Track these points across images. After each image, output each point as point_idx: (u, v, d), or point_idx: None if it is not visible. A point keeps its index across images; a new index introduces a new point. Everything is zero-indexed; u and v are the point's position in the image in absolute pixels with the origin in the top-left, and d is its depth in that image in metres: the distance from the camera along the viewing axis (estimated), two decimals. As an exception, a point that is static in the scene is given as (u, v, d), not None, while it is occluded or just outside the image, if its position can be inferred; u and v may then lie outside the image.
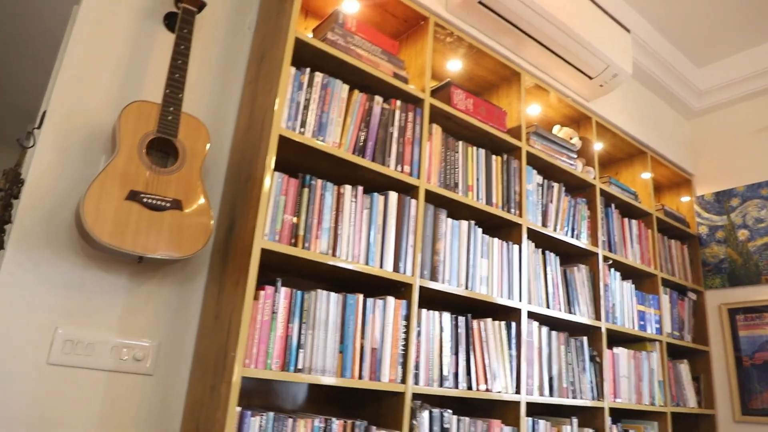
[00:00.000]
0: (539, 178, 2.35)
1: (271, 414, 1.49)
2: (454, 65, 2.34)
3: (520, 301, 2.11)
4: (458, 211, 2.11)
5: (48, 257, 1.51)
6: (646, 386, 2.55)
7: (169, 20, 1.83)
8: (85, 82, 1.65)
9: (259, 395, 1.76)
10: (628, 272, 2.78)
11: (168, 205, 1.53)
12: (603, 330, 2.39)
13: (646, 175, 2.93)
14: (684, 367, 2.82)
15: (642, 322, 2.64)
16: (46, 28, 2.92)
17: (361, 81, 1.91)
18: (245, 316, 1.45)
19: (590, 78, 2.42)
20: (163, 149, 1.64)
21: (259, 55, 1.88)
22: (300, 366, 1.55)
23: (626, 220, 2.74)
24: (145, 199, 1.50)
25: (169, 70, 1.61)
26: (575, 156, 2.47)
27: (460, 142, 2.11)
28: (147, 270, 1.67)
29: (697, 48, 3.07)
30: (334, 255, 1.68)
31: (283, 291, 1.57)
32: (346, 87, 1.82)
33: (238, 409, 1.44)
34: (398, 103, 1.93)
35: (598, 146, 2.92)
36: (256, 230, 1.52)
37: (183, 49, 1.65)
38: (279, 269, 1.82)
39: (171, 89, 1.60)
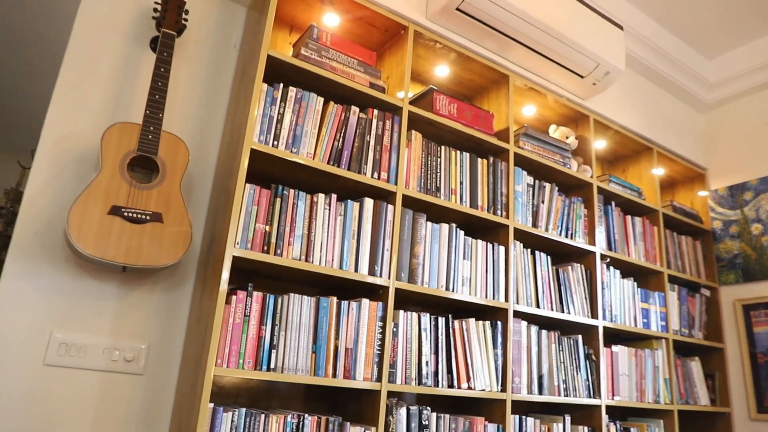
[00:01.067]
0: (530, 179, 2.33)
1: (243, 410, 1.56)
2: (442, 70, 2.35)
3: (506, 301, 2.10)
4: (441, 214, 2.12)
5: (44, 267, 1.65)
6: (650, 384, 2.48)
7: (155, 44, 1.93)
8: (77, 105, 1.78)
9: (246, 394, 1.84)
10: (629, 270, 2.70)
11: (148, 217, 1.62)
12: (600, 328, 2.34)
13: (657, 171, 2.83)
14: (695, 365, 2.71)
15: (645, 320, 2.56)
16: (48, 42, 3.12)
17: (337, 93, 1.96)
18: (217, 319, 1.53)
19: (581, 77, 2.37)
20: (146, 166, 1.74)
21: (241, 72, 1.96)
22: (272, 365, 1.62)
23: (629, 217, 2.67)
24: (126, 213, 1.60)
25: (149, 92, 1.71)
26: (569, 155, 2.42)
27: (443, 147, 2.12)
28: (136, 278, 1.78)
29: (706, 40, 2.94)
30: (307, 260, 1.74)
31: (255, 295, 1.64)
32: (320, 99, 1.88)
33: (211, 405, 1.52)
34: (375, 112, 1.96)
35: (599, 144, 2.86)
36: (228, 239, 1.60)
37: (163, 71, 1.74)
38: (260, 275, 1.89)
39: (151, 110, 1.70)
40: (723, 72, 3.03)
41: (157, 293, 1.81)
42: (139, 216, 1.62)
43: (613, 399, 2.32)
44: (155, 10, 1.82)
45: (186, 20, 1.88)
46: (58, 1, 2.66)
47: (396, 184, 1.94)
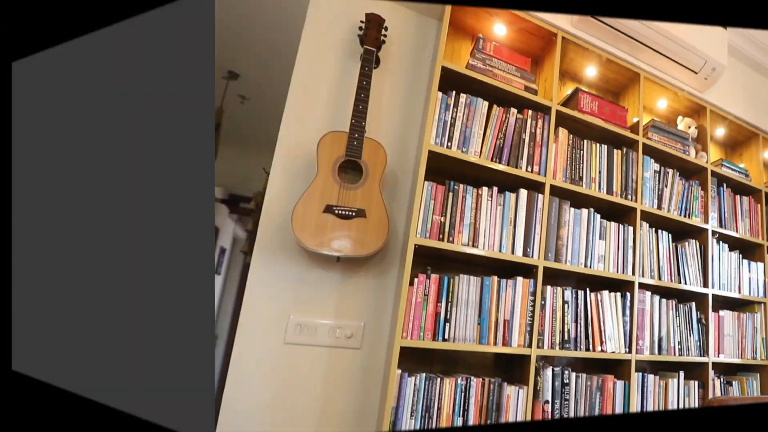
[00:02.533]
0: (656, 166, 2.25)
1: (423, 375, 1.61)
2: (590, 71, 2.24)
3: (633, 274, 2.15)
4: (583, 200, 2.09)
5: (281, 260, 1.71)
6: (749, 343, 2.46)
7: (361, 58, 1.90)
8: (304, 116, 1.81)
9: (440, 362, 1.93)
10: (735, 244, 2.57)
11: (354, 214, 1.68)
12: (710, 296, 2.36)
13: (766, 155, 2.90)
14: (796, 325, 2.77)
15: (747, 287, 2.64)
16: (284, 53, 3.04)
17: (499, 96, 1.89)
18: (402, 299, 1.58)
19: (695, 72, 2.23)
20: (353, 168, 1.77)
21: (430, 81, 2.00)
22: (446, 336, 1.67)
23: (738, 197, 2.55)
24: (337, 211, 1.67)
25: (354, 103, 1.71)
26: (690, 143, 2.43)
27: (585, 141, 2.04)
28: (351, 266, 1.81)
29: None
30: (473, 246, 1.82)
31: (433, 277, 1.67)
32: (486, 103, 1.81)
33: (398, 371, 1.58)
34: (530, 112, 1.94)
35: (719, 132, 2.67)
36: (411, 230, 1.63)
37: (365, 84, 1.73)
38: (438, 259, 1.94)
39: (356, 119, 1.71)
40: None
41: (371, 278, 1.85)
42: (347, 213, 1.69)
43: (718, 357, 2.48)
44: (360, 28, 1.82)
45: (386, 36, 1.83)
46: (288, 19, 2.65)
47: (545, 175, 1.99)
